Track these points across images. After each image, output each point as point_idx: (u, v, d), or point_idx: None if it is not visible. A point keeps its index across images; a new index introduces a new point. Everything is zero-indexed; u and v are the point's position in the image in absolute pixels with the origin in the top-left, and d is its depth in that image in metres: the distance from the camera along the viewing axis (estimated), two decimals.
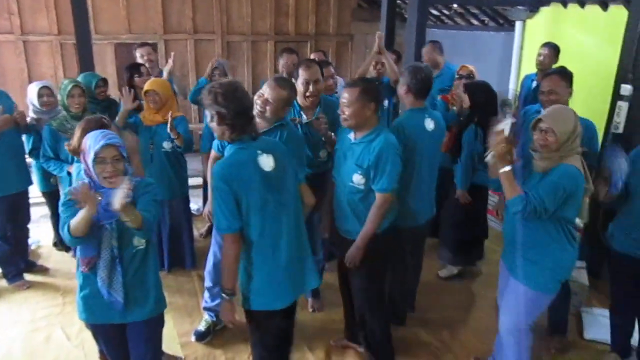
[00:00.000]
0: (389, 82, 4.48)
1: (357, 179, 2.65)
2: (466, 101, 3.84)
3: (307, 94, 3.06)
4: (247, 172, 2.16)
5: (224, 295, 2.28)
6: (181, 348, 3.21)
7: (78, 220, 2.01)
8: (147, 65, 4.49)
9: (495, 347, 3.00)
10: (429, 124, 3.05)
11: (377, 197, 2.63)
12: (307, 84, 3.05)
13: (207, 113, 2.21)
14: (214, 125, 2.20)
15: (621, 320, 3.05)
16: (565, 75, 3.03)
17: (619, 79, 3.45)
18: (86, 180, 2.15)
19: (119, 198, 1.94)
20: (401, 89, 3.08)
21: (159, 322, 2.46)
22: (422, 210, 3.19)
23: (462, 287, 4.05)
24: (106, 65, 7.66)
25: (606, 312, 3.23)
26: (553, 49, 4.47)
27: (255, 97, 2.77)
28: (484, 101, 3.64)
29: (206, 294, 3.31)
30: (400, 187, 2.87)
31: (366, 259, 2.71)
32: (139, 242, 2.23)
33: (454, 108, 3.89)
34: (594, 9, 5.72)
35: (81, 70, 4.72)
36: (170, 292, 3.70)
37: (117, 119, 3.51)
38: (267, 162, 2.21)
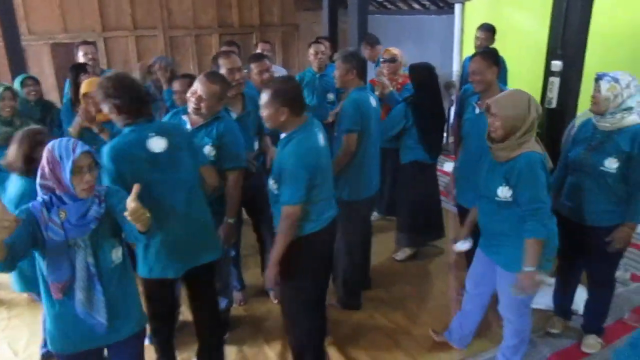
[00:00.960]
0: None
1: (271, 183, 2.56)
2: (387, 85, 4.04)
3: (233, 83, 3.06)
4: (132, 153, 2.30)
5: None
6: None
7: None
8: (90, 64, 4.32)
9: (452, 325, 3.08)
10: (373, 101, 3.32)
11: (282, 210, 2.44)
12: (231, 72, 3.05)
13: (105, 107, 2.35)
14: (114, 116, 2.35)
15: (564, 283, 3.20)
16: (488, 55, 3.10)
17: (549, 56, 3.57)
18: (45, 197, 1.93)
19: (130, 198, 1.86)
20: (348, 74, 3.24)
21: (143, 334, 2.30)
22: (373, 180, 3.42)
23: (415, 267, 4.13)
24: (43, 67, 7.38)
25: (551, 281, 3.37)
26: (488, 31, 4.57)
27: (189, 94, 2.76)
28: (426, 81, 3.73)
29: None
30: (356, 161, 3.14)
31: (287, 271, 2.54)
32: (116, 256, 2.06)
33: (376, 93, 3.99)
34: None
35: (13, 73, 4.52)
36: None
37: (70, 129, 3.35)
38: (158, 143, 2.35)
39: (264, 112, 2.47)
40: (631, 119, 2.63)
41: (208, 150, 2.79)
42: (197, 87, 2.71)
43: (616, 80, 2.60)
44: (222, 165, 2.80)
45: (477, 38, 4.62)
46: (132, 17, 7.78)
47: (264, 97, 2.43)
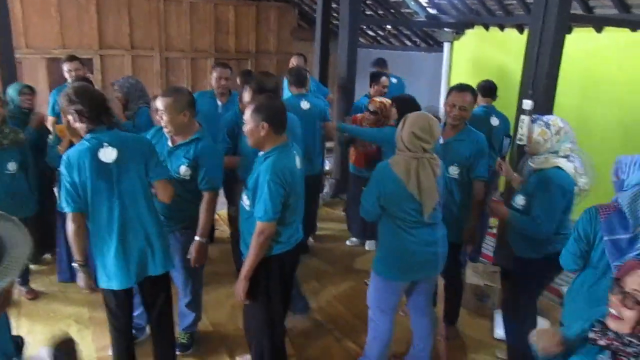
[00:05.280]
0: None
1: (244, 199, 2.58)
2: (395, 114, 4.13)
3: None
4: (82, 161, 2.40)
5: (76, 265, 2.54)
6: None
7: None
8: (73, 80, 4.36)
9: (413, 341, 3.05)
10: (305, 105, 4.09)
11: (257, 225, 2.46)
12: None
13: (69, 114, 2.45)
14: (77, 125, 2.45)
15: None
16: (473, 91, 3.26)
17: (521, 95, 3.72)
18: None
19: None
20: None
21: None
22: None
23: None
24: (38, 80, 7.48)
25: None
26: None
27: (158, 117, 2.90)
28: (409, 110, 3.85)
29: None
30: None
31: (253, 288, 2.58)
32: None
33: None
34: (511, 32, 6.15)
35: (4, 83, 4.62)
36: (90, 307, 3.65)
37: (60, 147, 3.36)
38: (109, 154, 2.44)
39: (246, 127, 2.51)
40: (553, 161, 2.68)
41: (183, 170, 2.85)
42: (157, 104, 2.83)
43: (547, 126, 2.69)
44: (197, 185, 2.87)
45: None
46: (130, 37, 7.96)
47: (247, 112, 2.50)
